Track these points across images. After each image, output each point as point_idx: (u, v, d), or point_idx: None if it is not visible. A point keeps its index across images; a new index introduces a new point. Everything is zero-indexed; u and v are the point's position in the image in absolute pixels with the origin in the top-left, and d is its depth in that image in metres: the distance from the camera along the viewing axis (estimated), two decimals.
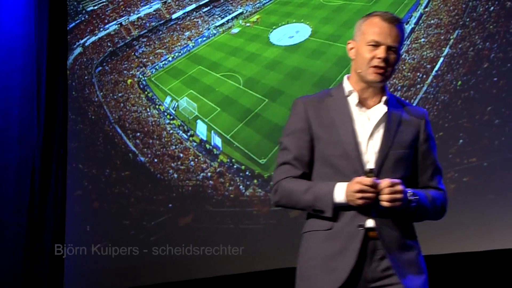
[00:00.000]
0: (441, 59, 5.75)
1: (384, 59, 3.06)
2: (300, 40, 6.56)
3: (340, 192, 3.00)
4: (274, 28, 6.77)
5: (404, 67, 5.93)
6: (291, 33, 6.64)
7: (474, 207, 5.44)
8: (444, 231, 5.40)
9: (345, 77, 3.21)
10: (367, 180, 2.94)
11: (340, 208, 3.03)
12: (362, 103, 3.15)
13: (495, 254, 5.32)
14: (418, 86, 5.80)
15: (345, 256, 3.00)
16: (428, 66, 5.80)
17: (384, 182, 2.95)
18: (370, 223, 3.02)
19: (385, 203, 2.95)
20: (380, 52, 3.06)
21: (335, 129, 3.10)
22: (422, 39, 5.93)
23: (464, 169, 5.52)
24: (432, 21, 5.92)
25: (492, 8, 5.59)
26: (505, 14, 5.53)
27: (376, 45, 3.08)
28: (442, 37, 5.78)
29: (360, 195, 2.94)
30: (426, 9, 6.01)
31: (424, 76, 5.80)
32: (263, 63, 6.66)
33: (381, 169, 3.05)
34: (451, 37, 5.75)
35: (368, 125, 3.11)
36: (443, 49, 5.76)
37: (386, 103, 3.14)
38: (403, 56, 5.95)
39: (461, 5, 5.77)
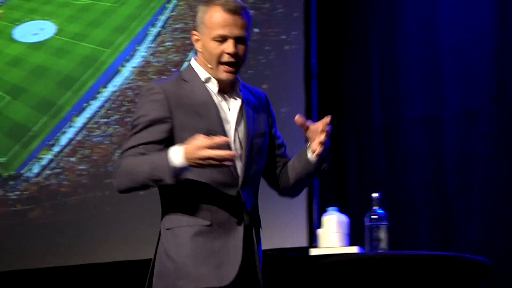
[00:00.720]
0: (186, 63, 5.83)
1: (234, 54, 2.85)
2: (44, 37, 6.39)
3: (177, 154, 2.69)
4: (18, 24, 6.54)
5: (150, 70, 5.94)
6: (35, 30, 6.45)
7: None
8: None
9: (194, 61, 2.98)
10: (212, 141, 2.65)
11: (213, 201, 2.83)
12: (220, 90, 2.94)
13: None
14: None
15: (229, 252, 2.82)
16: (174, 69, 5.86)
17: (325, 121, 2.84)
18: (247, 219, 2.90)
19: (320, 148, 2.83)
20: (229, 47, 2.85)
21: (201, 118, 2.85)
22: (168, 43, 5.98)
23: None
24: (178, 25, 5.99)
25: None
26: None
27: (223, 39, 2.85)
28: (187, 42, 5.85)
29: (207, 161, 2.66)
30: (173, 13, 6.06)
31: None
32: (5, 59, 6.43)
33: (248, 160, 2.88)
34: None
35: (231, 114, 2.92)
36: (188, 53, 5.84)
37: (239, 89, 2.96)
38: (149, 59, 5.97)
39: None
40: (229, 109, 2.93)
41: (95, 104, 5.99)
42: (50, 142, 5.97)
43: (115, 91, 5.97)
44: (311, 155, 2.91)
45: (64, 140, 5.97)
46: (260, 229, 3.03)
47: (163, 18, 6.10)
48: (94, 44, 6.22)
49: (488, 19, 4.96)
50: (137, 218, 5.64)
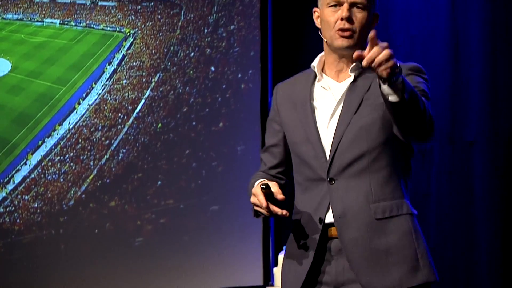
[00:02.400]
0: (143, 101, 5.82)
1: (348, 19, 2.62)
2: None
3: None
4: None
5: (105, 108, 5.93)
6: None
7: (171, 247, 5.55)
8: (147, 275, 5.47)
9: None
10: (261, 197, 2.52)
11: (303, 200, 2.66)
12: (333, 77, 2.70)
13: None
14: (119, 127, 5.83)
15: (304, 256, 2.61)
16: (130, 107, 5.85)
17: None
18: (329, 216, 2.60)
19: (379, 69, 2.31)
20: (342, 11, 2.63)
21: (296, 112, 2.70)
22: (124, 80, 5.98)
23: (162, 211, 5.61)
24: (134, 63, 5.99)
25: (192, 53, 5.77)
26: (204, 60, 5.73)
27: (338, 4, 2.65)
28: (144, 79, 5.86)
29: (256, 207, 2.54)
30: (129, 51, 6.07)
31: (125, 117, 5.84)
32: None
33: (337, 149, 2.60)
34: (153, 79, 5.84)
35: (331, 103, 2.67)
36: (145, 91, 5.84)
37: (356, 71, 2.66)
38: (105, 97, 5.96)
39: (163, 49, 5.90)
40: (333, 96, 2.68)
41: (50, 142, 5.94)
42: (4, 180, 5.90)
43: (70, 129, 5.93)
44: (380, 85, 2.43)
45: (18, 177, 5.91)
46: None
47: (119, 56, 6.10)
48: (50, 81, 6.19)
49: (442, 58, 5.04)
50: (91, 256, 5.61)
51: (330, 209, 2.60)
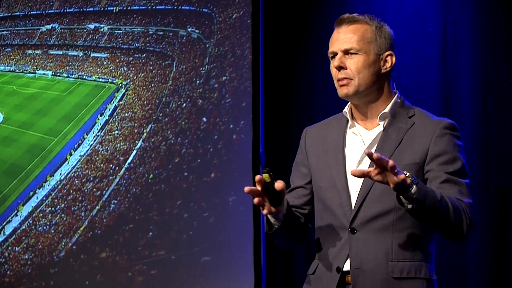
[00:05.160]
0: (134, 151, 5.82)
1: (340, 67, 2.65)
2: None
3: None
4: None
5: (97, 158, 5.93)
6: None
7: None
8: None
9: None
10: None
11: (322, 246, 2.64)
12: (361, 123, 2.71)
13: None
14: (111, 177, 5.82)
15: None
16: (121, 158, 5.85)
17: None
18: (347, 265, 2.59)
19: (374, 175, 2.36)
20: (334, 61, 2.67)
21: (325, 158, 2.70)
22: (116, 131, 5.98)
23: (153, 262, 5.58)
24: (126, 114, 6.01)
25: (184, 104, 5.79)
26: (196, 111, 5.74)
27: (334, 55, 2.69)
28: (136, 130, 5.87)
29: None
30: (121, 102, 6.09)
31: (117, 168, 5.84)
32: None
33: (364, 200, 2.58)
34: (144, 130, 5.85)
35: (361, 151, 2.66)
36: (137, 142, 5.84)
37: (386, 118, 2.67)
38: (97, 148, 5.96)
39: (154, 100, 5.92)
40: (363, 143, 2.69)
41: (41, 193, 5.93)
42: None
43: (62, 180, 5.93)
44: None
45: (9, 229, 5.88)
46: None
47: (111, 107, 6.12)
48: (41, 132, 6.20)
49: (433, 109, 5.07)
50: None
51: (349, 259, 2.58)
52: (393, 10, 5.14)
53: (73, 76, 6.39)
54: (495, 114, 4.85)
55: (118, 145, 5.93)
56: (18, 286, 5.73)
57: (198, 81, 5.81)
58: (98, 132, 6.04)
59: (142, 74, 6.09)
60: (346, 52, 2.66)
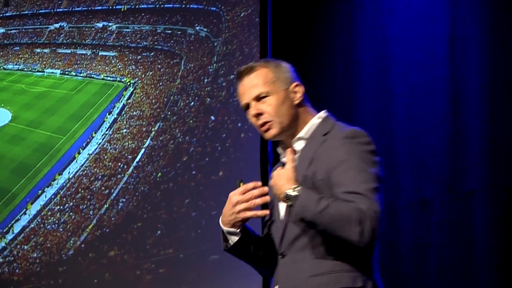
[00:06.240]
0: (142, 150, 5.83)
1: (257, 115, 2.72)
2: None
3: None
4: None
5: (105, 157, 5.94)
6: None
7: None
8: None
9: None
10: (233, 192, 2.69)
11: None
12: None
13: None
14: (119, 176, 5.83)
15: None
16: (130, 156, 5.86)
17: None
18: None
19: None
20: (250, 112, 2.74)
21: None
22: (124, 130, 5.99)
23: (161, 260, 5.59)
24: (134, 113, 6.02)
25: (192, 103, 5.79)
26: (204, 110, 5.75)
27: (247, 107, 2.76)
28: (144, 129, 5.88)
29: (232, 210, 2.69)
30: (129, 101, 6.09)
31: (125, 166, 5.85)
32: None
33: (286, 225, 2.69)
34: (153, 129, 5.86)
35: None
36: (145, 140, 5.85)
37: (302, 142, 2.77)
38: (105, 146, 5.97)
39: (163, 99, 5.92)
40: None
41: (50, 191, 5.95)
42: (3, 230, 5.89)
43: (70, 178, 5.94)
44: None
45: (17, 227, 5.90)
46: None
47: (119, 105, 6.13)
48: (50, 131, 6.21)
49: (441, 108, 5.05)
50: None
51: (278, 283, 2.70)
52: (401, 8, 5.13)
53: (81, 74, 6.41)
54: (504, 113, 4.83)
55: (127, 143, 5.93)
56: (27, 284, 5.75)
57: (206, 80, 5.81)
58: (106, 131, 6.05)
59: (150, 73, 6.10)
60: (257, 98, 2.74)
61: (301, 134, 2.78)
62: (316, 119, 2.83)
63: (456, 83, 4.99)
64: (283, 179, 2.61)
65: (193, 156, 5.70)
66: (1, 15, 6.64)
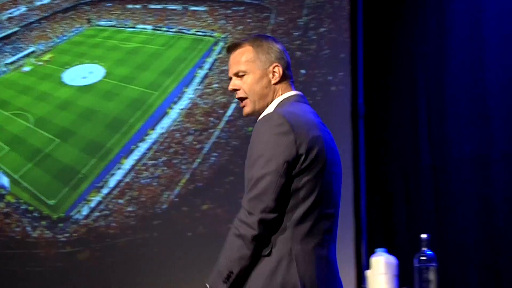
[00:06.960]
0: (233, 104, 5.86)
1: (234, 90, 2.88)
2: (93, 81, 6.48)
3: None
4: (67, 68, 6.65)
5: (197, 112, 5.99)
6: (84, 74, 6.54)
7: None
8: None
9: None
10: None
11: None
12: None
13: None
14: (211, 130, 5.87)
15: None
16: (221, 111, 5.89)
17: None
18: None
19: None
20: (229, 86, 2.91)
21: None
22: (215, 85, 6.02)
23: None
24: (225, 67, 6.03)
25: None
26: (294, 63, 5.71)
27: (230, 79, 2.91)
28: None
29: None
30: (220, 55, 6.11)
31: (217, 120, 5.88)
32: (55, 102, 6.52)
33: None
34: None
35: None
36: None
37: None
38: (197, 101, 6.01)
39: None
40: None
41: (143, 146, 6.03)
42: (98, 184, 6.01)
43: (163, 133, 6.01)
44: None
45: (112, 182, 6.01)
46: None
47: (210, 60, 6.16)
48: (142, 86, 6.29)
49: None
50: (185, 260, 5.65)
51: None
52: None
53: (172, 30, 6.44)
54: None
55: (217, 98, 5.96)
56: (123, 237, 5.87)
57: (296, 33, 5.78)
58: (197, 86, 6.09)
59: (241, 27, 6.09)
60: (236, 75, 2.86)
61: (263, 114, 2.84)
62: (278, 100, 2.89)
63: None
64: None
65: None
66: None
